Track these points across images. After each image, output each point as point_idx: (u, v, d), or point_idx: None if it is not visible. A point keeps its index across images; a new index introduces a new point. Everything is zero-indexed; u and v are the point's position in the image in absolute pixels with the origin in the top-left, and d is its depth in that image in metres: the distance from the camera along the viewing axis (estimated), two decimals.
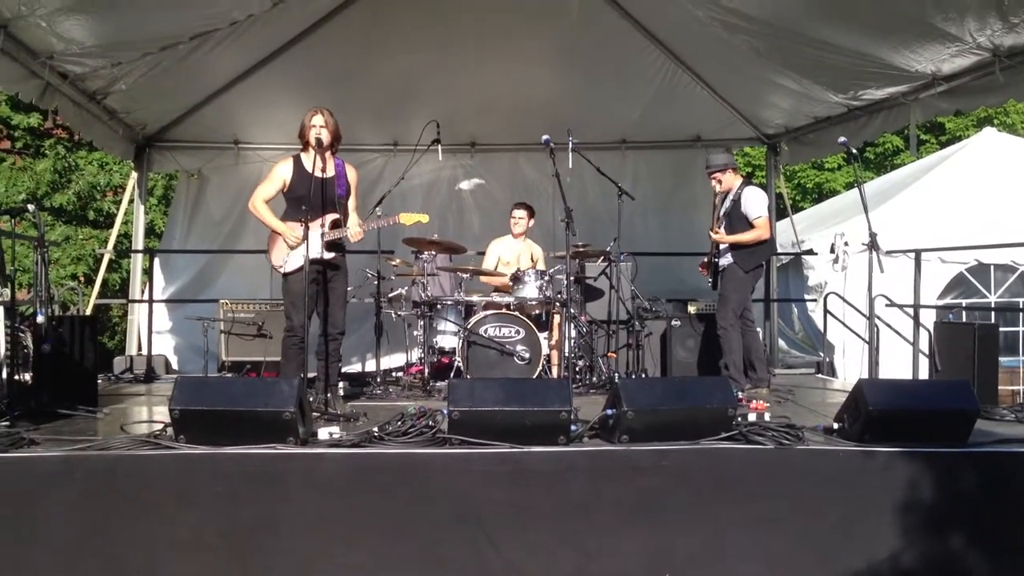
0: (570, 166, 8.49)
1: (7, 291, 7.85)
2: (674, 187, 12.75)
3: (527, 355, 8.61)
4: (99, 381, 8.23)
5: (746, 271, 8.48)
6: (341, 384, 7.90)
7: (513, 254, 10.00)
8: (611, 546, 5.36)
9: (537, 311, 9.14)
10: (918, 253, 9.43)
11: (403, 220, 7.61)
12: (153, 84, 9.60)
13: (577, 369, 9.00)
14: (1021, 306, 12.44)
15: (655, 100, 11.58)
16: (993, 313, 11.99)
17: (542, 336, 8.82)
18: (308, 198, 6.83)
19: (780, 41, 9.05)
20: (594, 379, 9.14)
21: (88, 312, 11.92)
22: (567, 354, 8.47)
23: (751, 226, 8.42)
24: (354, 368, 11.04)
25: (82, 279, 16.90)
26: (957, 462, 5.58)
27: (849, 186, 23.49)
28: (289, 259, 7.13)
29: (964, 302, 12.22)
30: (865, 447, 5.62)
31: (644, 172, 12.65)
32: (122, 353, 11.70)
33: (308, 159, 7.23)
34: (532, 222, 10.10)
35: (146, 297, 11.42)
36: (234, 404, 5.47)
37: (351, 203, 7.47)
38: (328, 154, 7.20)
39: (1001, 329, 9.26)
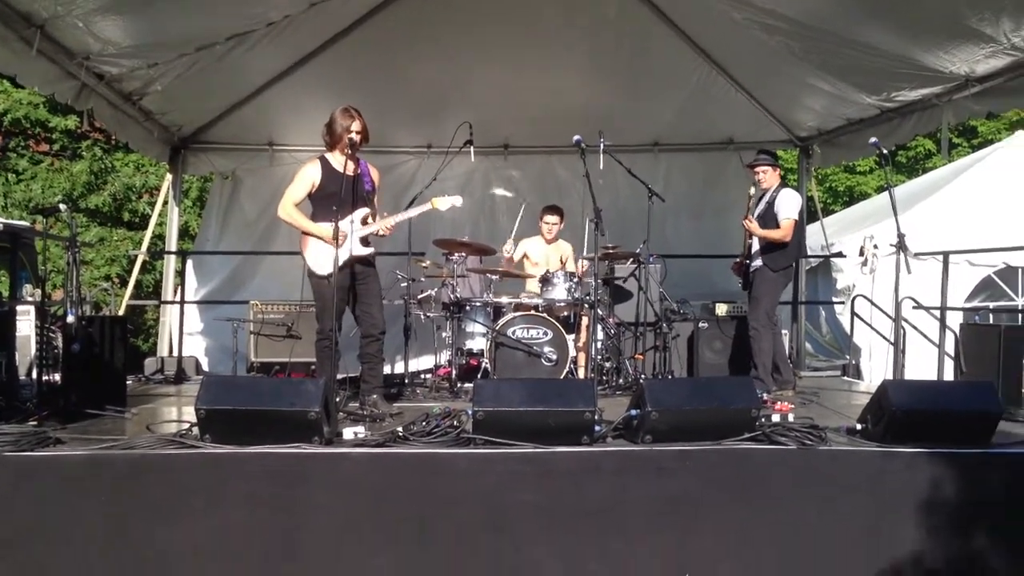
0: (601, 167, 8.51)
1: (38, 291, 7.95)
2: (706, 189, 12.73)
3: (554, 357, 8.62)
4: (129, 382, 8.29)
5: (775, 271, 8.53)
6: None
7: (542, 255, 10.05)
8: (635, 546, 5.38)
9: (565, 313, 9.15)
10: (946, 255, 9.38)
11: (436, 205, 7.61)
12: (189, 85, 9.66)
13: (604, 371, 9.01)
14: None
15: (689, 102, 11.55)
16: (1021, 315, 11.92)
17: (570, 338, 8.83)
18: (339, 196, 6.86)
19: (817, 42, 9.01)
20: (621, 381, 9.12)
21: (120, 313, 12.02)
22: (594, 356, 8.50)
23: (779, 226, 8.46)
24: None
25: (116, 280, 17.06)
26: (980, 463, 5.57)
27: (880, 189, 23.25)
28: (325, 261, 7.12)
29: (991, 304, 12.14)
30: (887, 448, 5.61)
31: (676, 174, 12.62)
32: (155, 355, 11.79)
33: (334, 159, 7.26)
34: (563, 223, 10.15)
35: (178, 298, 11.48)
36: (260, 404, 5.47)
37: (375, 201, 7.50)
38: None
39: None
